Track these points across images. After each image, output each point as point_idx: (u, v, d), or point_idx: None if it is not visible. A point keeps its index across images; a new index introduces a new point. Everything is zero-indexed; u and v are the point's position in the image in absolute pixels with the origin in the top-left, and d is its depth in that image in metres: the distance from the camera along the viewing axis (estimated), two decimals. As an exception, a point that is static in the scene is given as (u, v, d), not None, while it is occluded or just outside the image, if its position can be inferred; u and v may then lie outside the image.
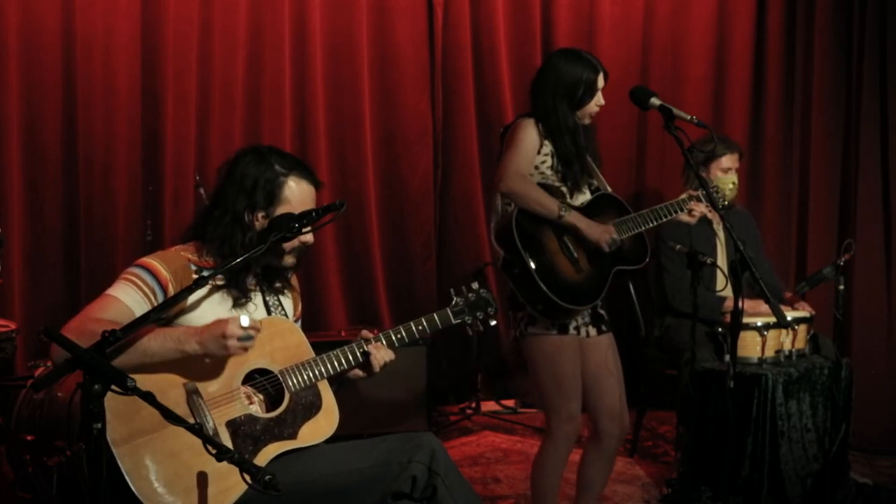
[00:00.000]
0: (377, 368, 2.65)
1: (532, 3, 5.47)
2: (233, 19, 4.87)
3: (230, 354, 2.38)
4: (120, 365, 2.27)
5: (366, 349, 2.63)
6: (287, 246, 2.56)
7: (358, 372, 2.69)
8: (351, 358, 2.62)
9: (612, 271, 3.23)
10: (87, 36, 4.56)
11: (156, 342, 2.34)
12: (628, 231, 3.26)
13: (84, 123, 4.58)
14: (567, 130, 3.19)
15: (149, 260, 2.51)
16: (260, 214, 2.55)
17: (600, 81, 3.21)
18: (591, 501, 3.39)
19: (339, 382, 2.70)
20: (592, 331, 3.26)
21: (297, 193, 2.55)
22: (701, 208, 3.37)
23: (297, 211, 2.53)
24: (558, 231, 3.17)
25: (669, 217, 3.36)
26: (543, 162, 3.20)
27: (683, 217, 3.39)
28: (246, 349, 2.38)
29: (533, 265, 3.07)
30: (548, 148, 3.20)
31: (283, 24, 4.97)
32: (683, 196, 3.40)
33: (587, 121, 3.26)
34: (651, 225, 3.31)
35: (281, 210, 2.54)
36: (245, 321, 2.36)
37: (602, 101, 3.24)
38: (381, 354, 2.64)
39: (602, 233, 3.16)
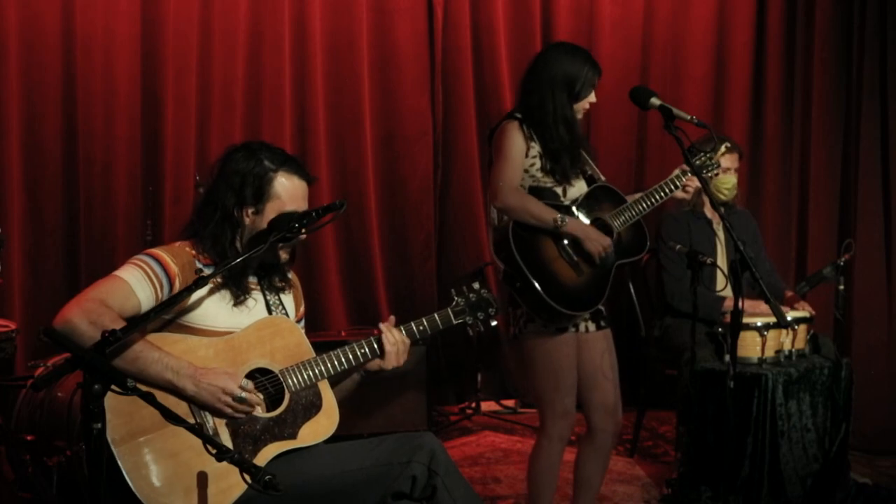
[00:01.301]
0: (388, 347, 2.59)
1: (532, 3, 5.48)
2: (233, 19, 4.87)
3: (219, 409, 2.38)
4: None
5: (343, 361, 2.58)
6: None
7: (379, 362, 2.64)
8: (359, 355, 2.61)
9: (614, 267, 3.23)
10: (87, 36, 4.56)
11: (154, 368, 2.33)
12: (626, 222, 3.25)
13: (84, 123, 4.59)
14: (563, 120, 3.17)
15: (158, 251, 2.50)
16: (250, 210, 2.54)
17: (596, 80, 3.22)
18: (589, 500, 3.38)
19: (362, 378, 2.69)
20: (591, 326, 3.26)
21: (287, 189, 2.53)
22: (696, 182, 3.34)
23: (287, 206, 2.52)
24: (555, 237, 3.16)
25: (666, 197, 3.34)
26: (532, 164, 3.18)
27: (679, 194, 3.37)
28: (235, 413, 2.40)
29: (534, 279, 3.06)
30: (535, 150, 3.18)
31: (283, 24, 4.98)
32: (676, 172, 3.37)
33: (579, 116, 3.26)
34: (648, 209, 3.30)
35: (270, 206, 2.53)
36: (247, 384, 2.40)
37: (594, 100, 3.24)
38: (391, 336, 2.61)
39: (596, 244, 3.15)
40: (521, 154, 3.16)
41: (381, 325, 2.63)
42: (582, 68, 3.18)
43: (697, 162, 3.30)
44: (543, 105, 3.17)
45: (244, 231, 2.55)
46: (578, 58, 3.19)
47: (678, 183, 3.35)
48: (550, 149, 3.17)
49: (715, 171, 3.45)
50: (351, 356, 2.61)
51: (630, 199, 3.31)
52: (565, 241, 3.16)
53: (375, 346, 2.62)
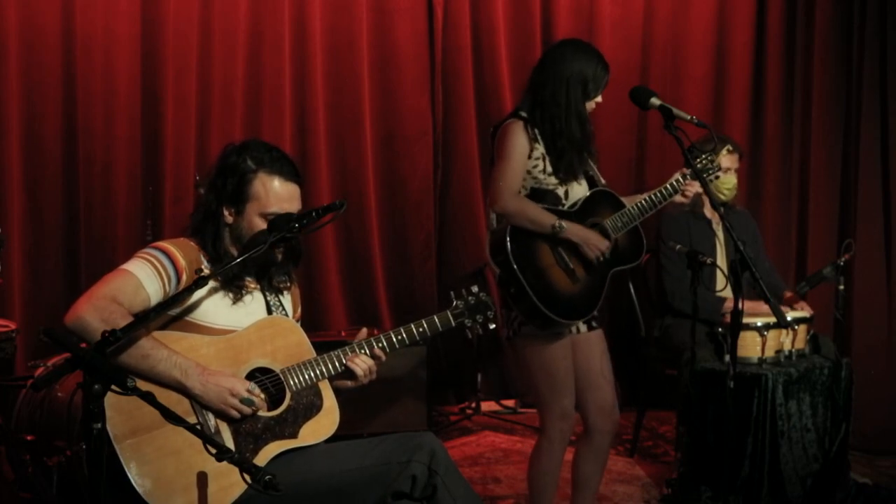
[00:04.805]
0: (360, 373, 2.60)
1: (532, 3, 5.48)
2: (233, 19, 4.87)
3: (223, 410, 2.39)
4: (123, 366, 2.30)
5: (344, 361, 2.59)
6: None
7: (346, 382, 2.64)
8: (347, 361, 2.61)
9: (609, 274, 3.22)
10: (87, 36, 4.56)
11: (162, 366, 2.35)
12: (624, 227, 3.23)
13: (84, 123, 4.58)
14: (577, 115, 3.14)
15: (166, 245, 2.50)
16: (232, 209, 2.53)
17: (606, 80, 3.21)
18: (588, 500, 3.38)
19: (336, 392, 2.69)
20: (583, 327, 3.26)
21: (268, 190, 2.51)
22: (695, 187, 3.31)
23: (269, 208, 2.50)
24: (553, 242, 3.14)
25: (665, 202, 3.30)
26: (535, 166, 3.17)
27: (678, 198, 3.32)
28: (240, 415, 2.40)
29: (529, 286, 3.05)
30: (538, 151, 3.16)
31: (283, 24, 4.97)
32: (676, 176, 3.33)
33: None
34: (647, 213, 3.27)
35: (250, 207, 2.51)
36: (253, 387, 2.40)
37: (601, 100, 3.23)
38: (360, 361, 2.60)
39: (594, 248, 3.14)
40: (524, 156, 3.15)
41: (347, 360, 2.59)
42: (596, 67, 3.17)
43: (699, 165, 3.28)
44: (556, 99, 3.14)
45: (229, 229, 2.54)
46: (592, 56, 3.19)
47: (677, 187, 3.31)
48: (558, 146, 3.14)
49: (716, 174, 3.43)
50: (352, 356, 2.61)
51: (628, 201, 3.29)
52: (562, 248, 3.15)
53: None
